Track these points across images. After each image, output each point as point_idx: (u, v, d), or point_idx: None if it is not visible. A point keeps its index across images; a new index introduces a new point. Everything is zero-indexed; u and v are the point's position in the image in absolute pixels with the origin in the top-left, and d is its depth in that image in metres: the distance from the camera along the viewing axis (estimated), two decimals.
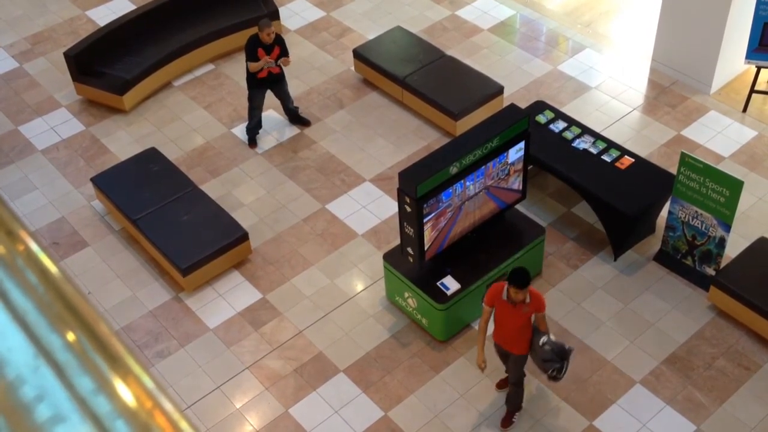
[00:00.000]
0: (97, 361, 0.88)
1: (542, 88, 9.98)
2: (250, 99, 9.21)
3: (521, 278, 6.07)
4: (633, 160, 8.18)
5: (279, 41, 8.96)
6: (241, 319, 7.75)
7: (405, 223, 6.94)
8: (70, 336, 0.88)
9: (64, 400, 0.82)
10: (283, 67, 9.09)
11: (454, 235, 7.24)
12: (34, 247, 0.96)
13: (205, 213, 8.26)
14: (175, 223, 8.16)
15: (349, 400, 7.07)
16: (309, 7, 11.51)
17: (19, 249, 0.95)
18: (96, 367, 0.87)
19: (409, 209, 6.79)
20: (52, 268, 0.95)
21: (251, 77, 9.04)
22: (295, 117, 9.63)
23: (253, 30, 10.63)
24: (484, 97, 9.37)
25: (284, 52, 9.01)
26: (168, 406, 0.88)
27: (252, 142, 9.50)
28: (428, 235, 6.95)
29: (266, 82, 9.13)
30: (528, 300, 6.21)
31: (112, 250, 8.45)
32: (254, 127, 9.42)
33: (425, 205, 6.73)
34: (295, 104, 9.61)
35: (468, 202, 7.14)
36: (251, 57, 8.90)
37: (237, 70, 10.54)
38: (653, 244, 8.13)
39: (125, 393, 0.86)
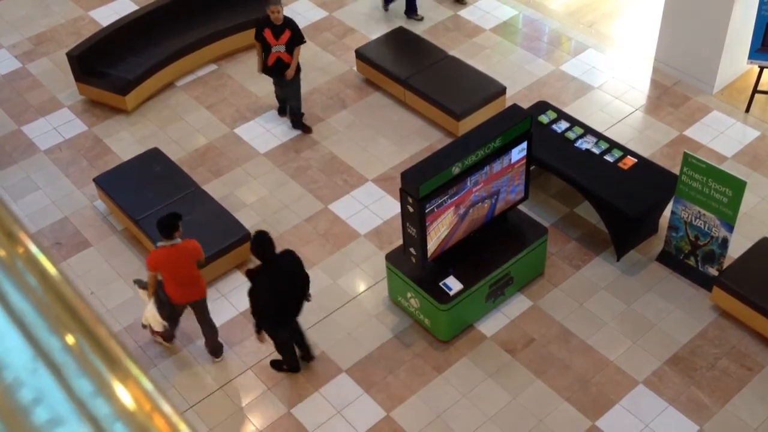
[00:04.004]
0: (96, 364, 0.87)
1: (545, 88, 9.97)
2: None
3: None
4: (636, 160, 8.17)
5: (291, 25, 8.86)
6: (244, 319, 7.75)
7: (407, 224, 6.94)
8: (69, 338, 0.88)
9: (62, 402, 0.82)
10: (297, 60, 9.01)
11: (457, 236, 7.24)
12: (33, 248, 0.96)
13: (208, 213, 8.26)
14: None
15: (351, 400, 7.07)
16: (311, 8, 11.51)
17: (19, 251, 0.95)
18: (95, 370, 0.87)
19: (411, 209, 6.78)
20: (52, 269, 0.95)
21: (264, 61, 9.03)
22: (297, 123, 9.55)
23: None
24: (486, 98, 9.36)
25: (297, 38, 8.90)
26: (167, 408, 0.87)
27: (281, 111, 9.73)
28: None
29: (274, 72, 9.05)
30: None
31: (115, 251, 8.45)
32: (281, 108, 9.68)
33: (427, 205, 6.73)
34: (302, 110, 9.52)
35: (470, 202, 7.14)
36: (257, 36, 8.88)
37: (239, 70, 10.55)
38: (656, 244, 8.12)
39: (124, 395, 0.86)
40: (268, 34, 8.79)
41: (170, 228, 6.70)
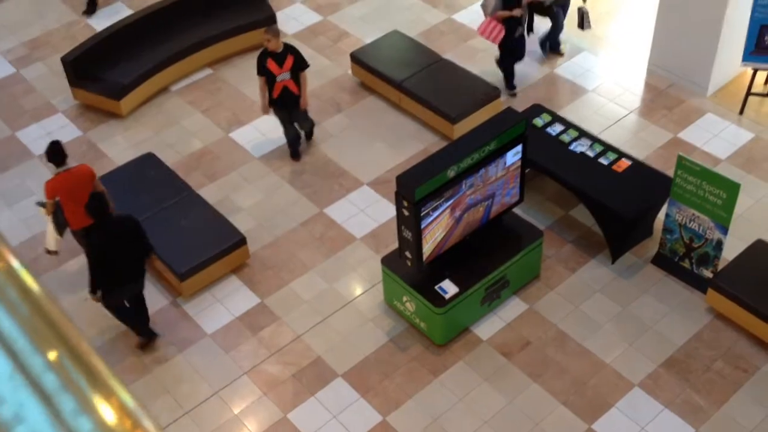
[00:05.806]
0: (78, 380, 0.87)
1: (539, 91, 9.98)
2: (276, 116, 9.01)
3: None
4: (630, 162, 8.19)
5: (292, 50, 8.67)
6: (239, 324, 7.74)
7: (403, 227, 6.94)
8: (51, 354, 0.88)
9: (43, 419, 0.82)
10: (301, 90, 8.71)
11: (452, 239, 7.24)
12: (15, 264, 0.96)
13: (203, 217, 8.26)
14: (172, 228, 8.15)
15: (347, 404, 7.07)
16: (306, 11, 11.51)
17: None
18: (76, 386, 0.86)
19: (407, 213, 6.78)
20: (33, 285, 0.95)
21: (269, 95, 8.72)
22: (309, 135, 9.42)
23: (251, 34, 10.68)
24: (481, 101, 9.37)
25: (300, 63, 8.65)
26: (148, 424, 0.87)
27: (295, 155, 9.24)
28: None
29: (281, 102, 8.72)
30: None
31: None
32: (292, 140, 9.16)
33: (423, 208, 6.73)
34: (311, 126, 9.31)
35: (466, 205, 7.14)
36: (260, 70, 8.60)
37: (235, 74, 10.55)
38: (651, 246, 8.13)
39: (106, 412, 0.86)
40: (271, 64, 8.53)
41: (59, 155, 7.29)
